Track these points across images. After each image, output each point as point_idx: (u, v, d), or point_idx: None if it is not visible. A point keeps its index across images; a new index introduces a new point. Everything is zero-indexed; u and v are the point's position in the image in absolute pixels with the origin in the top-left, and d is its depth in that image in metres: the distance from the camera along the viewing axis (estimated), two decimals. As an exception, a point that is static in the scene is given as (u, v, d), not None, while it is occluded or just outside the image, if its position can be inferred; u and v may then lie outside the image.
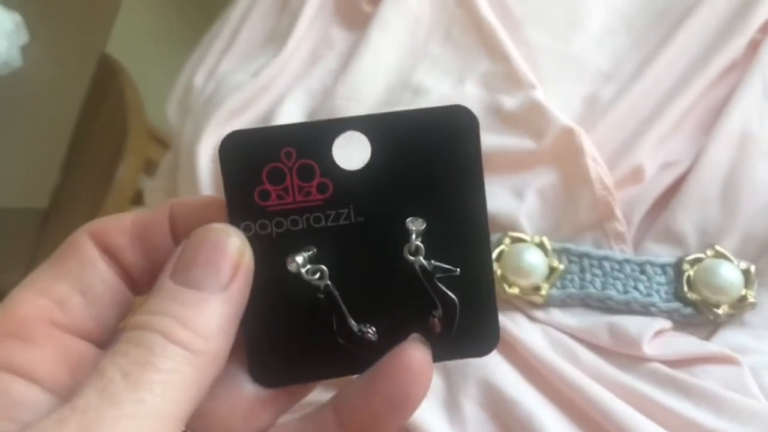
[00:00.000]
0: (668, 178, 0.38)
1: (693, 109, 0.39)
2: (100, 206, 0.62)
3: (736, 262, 0.35)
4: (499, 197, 0.38)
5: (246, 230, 0.19)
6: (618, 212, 0.37)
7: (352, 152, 0.19)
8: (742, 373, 0.32)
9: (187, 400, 0.17)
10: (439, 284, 0.19)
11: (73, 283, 0.19)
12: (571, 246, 0.37)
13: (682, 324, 0.35)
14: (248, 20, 0.52)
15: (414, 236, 0.18)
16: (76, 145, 0.65)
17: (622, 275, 0.36)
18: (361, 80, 0.45)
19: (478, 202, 0.19)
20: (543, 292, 0.36)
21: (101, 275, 0.19)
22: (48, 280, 0.19)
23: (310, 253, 0.19)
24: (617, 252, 0.37)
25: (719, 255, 0.35)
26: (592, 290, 0.36)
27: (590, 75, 0.43)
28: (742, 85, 0.39)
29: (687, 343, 0.34)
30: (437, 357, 0.20)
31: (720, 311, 0.34)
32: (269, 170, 0.19)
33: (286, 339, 0.19)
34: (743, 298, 0.34)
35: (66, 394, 0.17)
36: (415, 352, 0.19)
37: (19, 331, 0.18)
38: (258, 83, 0.47)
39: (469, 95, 0.43)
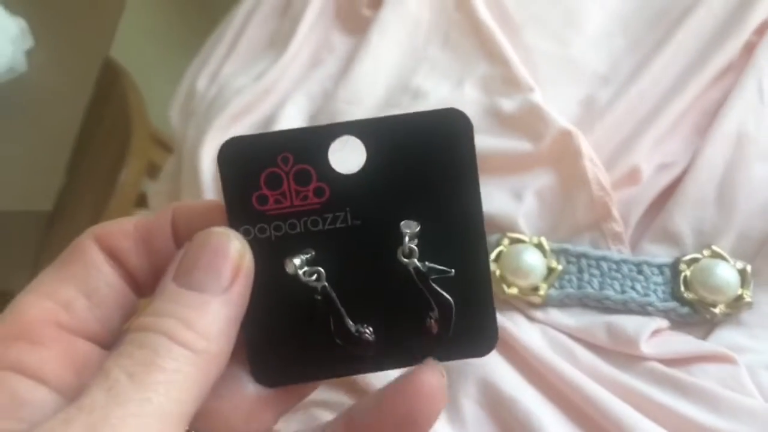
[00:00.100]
0: (665, 179, 0.38)
1: (689, 110, 0.40)
2: (104, 209, 0.63)
3: (732, 262, 0.36)
4: (498, 198, 0.39)
5: (245, 234, 0.19)
6: (615, 213, 0.37)
7: (347, 156, 0.20)
8: (739, 372, 0.32)
9: (190, 399, 0.17)
10: (434, 285, 0.19)
11: (79, 286, 0.19)
12: (569, 246, 0.37)
13: (679, 323, 0.36)
14: (250, 25, 0.53)
15: (407, 239, 0.19)
16: (79, 149, 0.65)
17: (619, 275, 0.36)
18: (361, 84, 0.46)
19: (474, 204, 0.19)
20: (541, 292, 0.36)
21: (106, 278, 0.20)
22: (53, 284, 0.19)
23: (308, 255, 0.19)
24: (615, 252, 0.37)
25: (716, 255, 0.36)
26: (589, 290, 0.36)
27: (587, 77, 0.43)
28: (738, 87, 0.39)
29: (684, 342, 0.34)
30: (437, 358, 0.20)
31: (717, 311, 0.35)
32: (267, 175, 0.19)
33: (285, 340, 0.20)
34: (739, 298, 0.35)
35: (72, 394, 0.17)
36: (429, 376, 0.19)
37: (26, 334, 0.18)
38: (260, 87, 0.47)
39: (468, 98, 0.43)
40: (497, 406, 0.33)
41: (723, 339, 0.34)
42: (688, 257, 0.36)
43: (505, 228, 0.38)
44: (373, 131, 0.19)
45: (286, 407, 0.21)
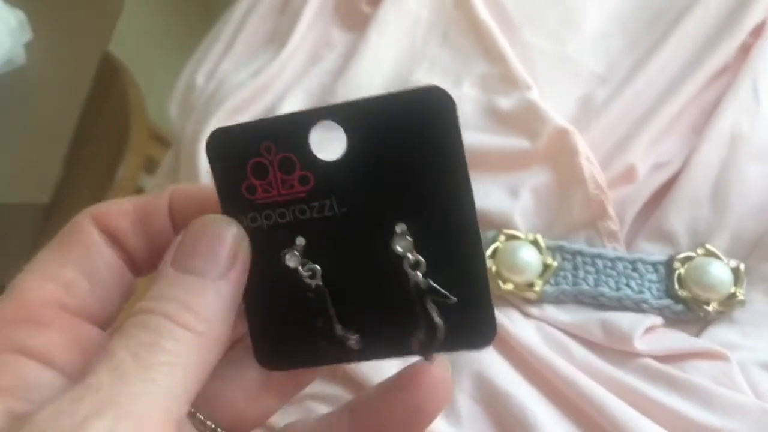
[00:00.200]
0: (660, 178, 0.39)
1: (685, 110, 0.40)
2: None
3: (725, 261, 0.36)
4: (495, 195, 0.39)
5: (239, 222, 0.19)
6: (611, 211, 0.38)
7: (328, 143, 0.19)
8: (731, 369, 0.33)
9: (192, 381, 0.17)
10: (428, 306, 0.18)
11: (79, 267, 0.20)
12: (564, 244, 0.38)
13: (673, 321, 0.36)
14: (249, 21, 0.53)
15: (409, 253, 0.18)
16: (77, 142, 0.65)
17: (614, 273, 0.37)
18: (360, 80, 0.46)
19: (462, 184, 0.18)
20: (537, 288, 0.37)
21: (105, 259, 0.20)
22: (53, 265, 0.20)
23: (303, 244, 0.19)
24: (610, 250, 0.37)
25: (709, 253, 0.36)
26: (585, 287, 0.36)
27: (585, 76, 0.43)
28: (733, 88, 0.39)
29: (677, 339, 0.35)
30: (434, 349, 0.19)
31: (710, 308, 0.35)
32: (252, 165, 0.19)
33: (284, 326, 0.20)
34: (732, 296, 0.35)
35: (77, 376, 0.17)
36: (435, 370, 0.19)
37: (30, 316, 0.18)
38: (258, 83, 0.47)
39: (466, 96, 0.43)
40: (492, 401, 0.33)
41: (716, 336, 0.35)
42: (682, 255, 0.36)
43: (501, 225, 0.38)
44: (351, 115, 0.18)
45: (289, 393, 0.21)
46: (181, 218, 0.20)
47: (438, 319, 0.18)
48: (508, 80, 0.43)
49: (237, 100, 0.47)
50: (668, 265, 0.36)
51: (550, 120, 0.40)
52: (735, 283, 0.35)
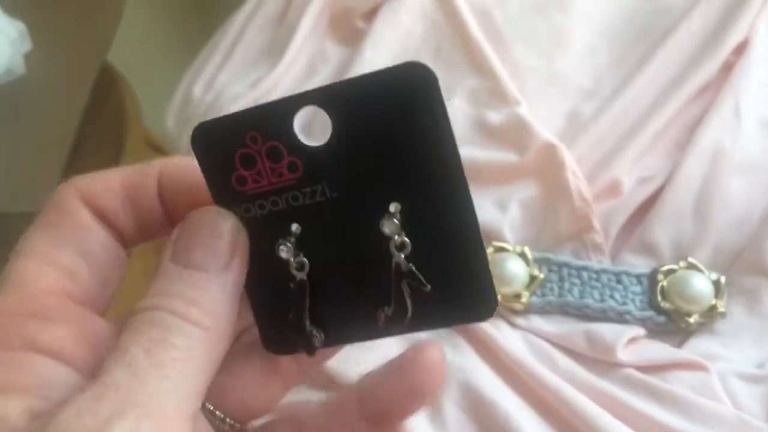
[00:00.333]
0: (645, 192, 0.40)
1: (670, 126, 0.41)
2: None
3: (707, 274, 0.37)
4: (484, 208, 0.40)
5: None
6: (596, 224, 0.39)
7: (313, 128, 0.19)
8: (711, 379, 0.34)
9: (204, 375, 0.17)
10: (404, 288, 0.19)
11: (76, 250, 0.19)
12: (551, 256, 0.39)
13: (655, 332, 0.37)
14: (246, 33, 0.54)
15: (397, 227, 0.18)
16: (75, 151, 0.66)
17: (599, 284, 0.38)
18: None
19: (451, 156, 0.18)
20: (524, 299, 0.38)
21: (100, 239, 0.20)
22: (50, 249, 0.19)
23: (298, 231, 0.19)
24: (595, 262, 0.38)
25: (692, 266, 0.37)
26: (570, 298, 0.37)
27: (573, 92, 0.44)
28: (716, 105, 0.41)
29: (659, 350, 0.36)
30: (438, 323, 0.19)
31: (691, 320, 0.36)
32: (240, 156, 0.19)
33: (276, 312, 0.20)
34: (713, 308, 0.36)
35: (89, 370, 0.17)
36: (432, 352, 0.20)
37: (39, 310, 0.18)
38: (256, 94, 0.48)
39: (457, 110, 0.44)
40: (478, 409, 0.34)
41: (697, 347, 0.36)
42: (665, 268, 0.37)
43: (490, 237, 0.39)
44: (333, 98, 0.18)
45: (295, 379, 0.22)
46: (170, 196, 0.20)
47: (409, 303, 0.19)
48: (498, 95, 0.44)
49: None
50: (652, 277, 0.37)
51: (538, 135, 0.41)
52: (716, 295, 0.36)
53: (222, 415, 0.21)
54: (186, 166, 0.20)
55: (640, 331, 0.36)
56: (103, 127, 0.71)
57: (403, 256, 0.18)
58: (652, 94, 0.42)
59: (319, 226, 0.19)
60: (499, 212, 0.40)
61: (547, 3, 0.49)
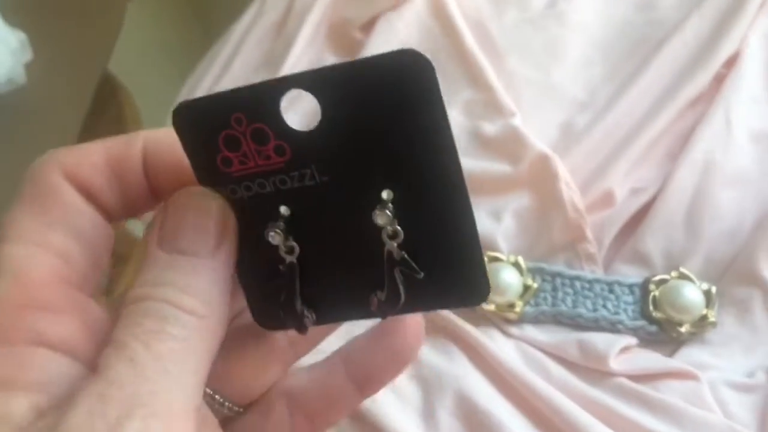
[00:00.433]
0: (637, 203, 0.40)
1: (662, 137, 0.42)
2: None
3: (698, 284, 0.37)
4: (478, 218, 0.40)
5: None
6: (589, 234, 0.39)
7: (301, 112, 0.19)
8: (701, 388, 0.34)
9: (203, 365, 0.17)
10: (397, 276, 0.19)
11: (66, 231, 0.18)
12: (544, 266, 0.39)
13: (647, 341, 0.37)
14: (245, 44, 0.55)
15: (389, 225, 0.18)
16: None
17: (591, 294, 0.38)
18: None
19: (446, 143, 0.17)
20: (517, 309, 0.38)
21: (88, 217, 0.19)
22: (39, 231, 0.18)
23: (287, 214, 0.19)
24: (588, 272, 0.39)
25: (683, 276, 0.38)
26: (563, 308, 0.38)
27: (567, 103, 0.45)
28: (707, 116, 0.41)
29: (651, 360, 0.36)
30: (430, 307, 0.20)
31: (683, 329, 0.36)
32: (224, 137, 0.18)
33: (265, 290, 0.20)
34: (704, 318, 0.37)
35: (91, 361, 0.17)
36: (415, 318, 0.21)
37: (41, 300, 0.17)
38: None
39: (452, 121, 0.45)
40: (472, 418, 0.35)
41: (688, 357, 0.36)
42: (657, 278, 0.38)
43: (485, 247, 0.40)
44: (323, 82, 0.17)
45: (291, 359, 0.22)
46: (155, 171, 0.19)
47: (401, 289, 0.19)
48: (493, 107, 0.45)
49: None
50: (644, 287, 0.38)
51: (532, 146, 0.41)
52: (707, 305, 0.37)
53: (221, 399, 0.20)
54: (171, 138, 0.19)
55: (632, 340, 0.37)
56: (103, 136, 0.71)
57: (395, 244, 0.18)
58: (645, 106, 0.43)
59: (308, 210, 0.19)
60: (493, 222, 0.41)
61: (542, 15, 0.50)
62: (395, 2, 0.51)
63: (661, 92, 0.43)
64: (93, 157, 0.19)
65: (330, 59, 0.52)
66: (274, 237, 0.19)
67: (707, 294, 0.37)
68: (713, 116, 0.41)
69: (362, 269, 0.19)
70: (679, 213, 0.39)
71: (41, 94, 0.63)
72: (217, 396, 0.20)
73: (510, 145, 0.42)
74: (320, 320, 0.20)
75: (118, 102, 0.71)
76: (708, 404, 0.34)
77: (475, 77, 0.46)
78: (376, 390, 0.22)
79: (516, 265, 0.39)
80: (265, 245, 0.19)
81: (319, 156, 0.18)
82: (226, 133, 0.18)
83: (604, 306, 0.38)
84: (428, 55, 0.17)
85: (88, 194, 0.19)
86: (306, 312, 0.20)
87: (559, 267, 0.39)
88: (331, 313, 0.20)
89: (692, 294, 0.37)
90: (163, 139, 0.19)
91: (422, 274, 0.18)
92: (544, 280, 0.39)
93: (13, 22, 0.65)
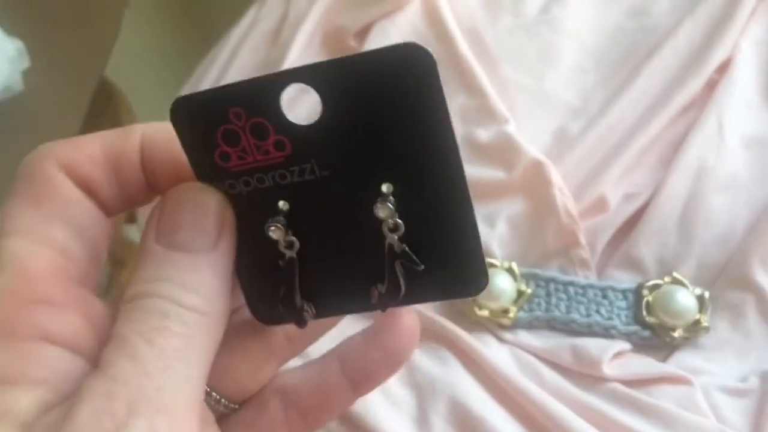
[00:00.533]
0: (630, 209, 0.40)
1: (655, 143, 0.42)
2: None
3: (691, 289, 0.37)
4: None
5: None
6: (582, 240, 0.39)
7: (302, 106, 0.19)
8: (694, 393, 0.34)
9: (205, 361, 0.17)
10: (398, 269, 0.19)
11: (66, 225, 0.18)
12: (538, 271, 0.39)
13: (640, 346, 0.37)
14: (241, 51, 0.55)
15: (390, 219, 0.18)
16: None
17: (585, 300, 0.38)
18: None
19: (446, 139, 0.17)
20: (511, 314, 0.38)
21: (87, 212, 0.19)
22: (39, 225, 0.18)
23: (286, 208, 0.19)
24: (581, 278, 0.39)
25: (676, 281, 0.38)
26: (557, 313, 0.38)
27: (560, 110, 0.45)
28: (699, 122, 0.41)
29: (644, 365, 0.36)
30: (430, 298, 0.20)
31: (676, 334, 0.37)
32: (223, 132, 0.18)
33: (263, 285, 0.20)
34: (697, 323, 0.37)
35: (95, 356, 0.17)
36: (409, 316, 0.21)
37: (45, 295, 0.17)
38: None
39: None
40: (465, 423, 0.35)
41: (681, 362, 0.36)
42: (650, 283, 0.38)
43: (478, 252, 0.40)
44: (324, 76, 0.17)
45: (288, 356, 0.22)
46: (152, 164, 0.19)
47: (402, 282, 0.19)
48: (486, 113, 0.45)
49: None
50: (637, 292, 0.38)
51: (526, 152, 0.42)
52: (700, 310, 0.37)
53: (218, 397, 0.20)
54: (168, 132, 0.19)
55: (625, 345, 0.37)
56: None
57: (396, 237, 0.18)
58: (637, 112, 0.43)
59: (308, 204, 0.19)
60: (487, 228, 0.41)
61: (536, 22, 0.50)
62: (389, 9, 0.51)
63: (653, 98, 0.43)
64: (90, 149, 0.19)
65: (325, 66, 0.53)
66: (275, 232, 0.19)
67: (700, 299, 0.37)
68: (706, 122, 0.41)
69: (362, 262, 0.19)
70: (672, 218, 0.39)
71: (38, 101, 0.64)
72: (213, 393, 0.20)
73: (503, 151, 0.43)
74: (320, 314, 0.20)
75: (115, 108, 0.71)
76: (701, 409, 0.34)
77: (468, 83, 0.47)
78: (369, 389, 0.22)
79: (510, 270, 0.39)
80: (264, 240, 0.19)
81: (319, 150, 0.18)
82: (225, 128, 0.18)
83: (598, 311, 0.38)
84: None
85: (87, 188, 0.19)
86: (306, 306, 0.20)
87: (552, 272, 0.39)
88: (331, 307, 0.20)
89: (685, 299, 0.37)
90: (160, 133, 0.19)
91: (422, 266, 0.19)
92: (537, 286, 0.39)
93: (10, 30, 0.65)
